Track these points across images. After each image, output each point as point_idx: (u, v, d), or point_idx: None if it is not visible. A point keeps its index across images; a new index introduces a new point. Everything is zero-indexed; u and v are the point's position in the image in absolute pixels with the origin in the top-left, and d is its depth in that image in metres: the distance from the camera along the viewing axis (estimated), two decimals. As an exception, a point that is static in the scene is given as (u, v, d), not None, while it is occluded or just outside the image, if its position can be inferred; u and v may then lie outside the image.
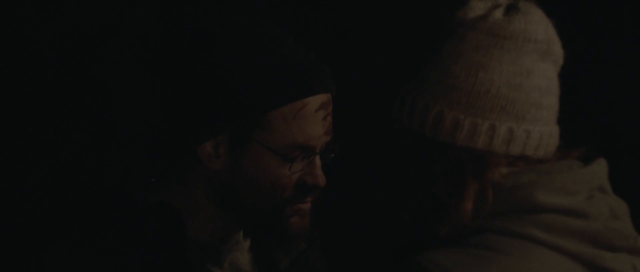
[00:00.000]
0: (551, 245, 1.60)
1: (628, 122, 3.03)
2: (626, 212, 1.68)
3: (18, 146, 2.75)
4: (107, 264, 1.78)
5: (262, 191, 1.81)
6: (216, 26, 1.81)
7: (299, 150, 1.80)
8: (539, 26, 1.64)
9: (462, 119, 1.60)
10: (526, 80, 1.62)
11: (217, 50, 1.79)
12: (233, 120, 1.78)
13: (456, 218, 1.61)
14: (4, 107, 2.75)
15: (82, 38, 2.79)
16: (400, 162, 1.67)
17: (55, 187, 2.69)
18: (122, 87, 2.79)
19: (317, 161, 1.83)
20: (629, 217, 1.69)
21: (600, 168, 1.68)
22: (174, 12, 2.68)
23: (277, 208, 1.82)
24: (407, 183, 1.67)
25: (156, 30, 2.74)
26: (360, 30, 3.01)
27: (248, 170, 1.80)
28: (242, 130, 1.78)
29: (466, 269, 1.56)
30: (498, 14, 1.62)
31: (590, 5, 3.01)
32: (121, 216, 1.83)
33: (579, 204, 1.62)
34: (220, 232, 1.87)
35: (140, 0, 2.78)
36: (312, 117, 1.80)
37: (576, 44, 3.01)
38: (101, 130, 2.78)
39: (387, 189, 1.71)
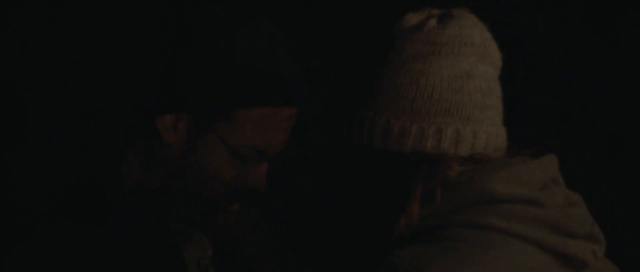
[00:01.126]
0: (513, 233, 1.64)
1: (629, 122, 3.03)
2: (581, 201, 1.74)
3: None
4: (90, 254, 1.78)
5: (205, 179, 1.82)
6: (214, 15, 1.83)
7: (254, 153, 1.81)
8: (474, 30, 1.69)
9: (409, 126, 1.65)
10: (467, 83, 1.67)
11: (209, 36, 1.80)
12: (201, 103, 1.79)
13: (407, 220, 1.66)
14: None
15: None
16: (356, 176, 1.73)
17: (33, 180, 2.69)
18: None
19: (265, 166, 1.84)
20: (584, 205, 1.75)
21: (551, 160, 1.73)
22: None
23: (216, 201, 1.84)
24: (362, 193, 1.72)
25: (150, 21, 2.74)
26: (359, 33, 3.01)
27: (199, 155, 1.81)
28: (206, 116, 1.79)
29: (433, 262, 1.61)
30: (432, 22, 1.67)
31: (592, 5, 3.01)
32: (99, 204, 1.84)
33: (535, 194, 1.67)
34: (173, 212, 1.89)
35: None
36: (277, 127, 1.82)
37: (577, 44, 3.01)
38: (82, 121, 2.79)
39: (348, 199, 1.75)
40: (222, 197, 1.84)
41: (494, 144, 1.69)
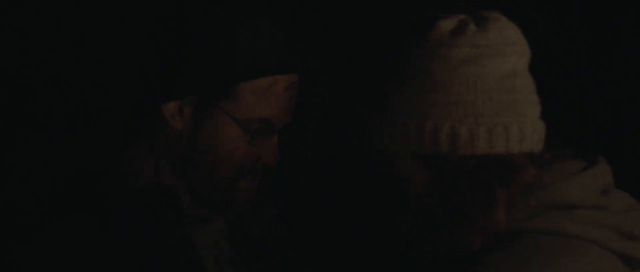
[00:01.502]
0: (589, 238, 1.67)
1: (629, 122, 3.03)
2: (638, 203, 1.78)
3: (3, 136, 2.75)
4: (103, 248, 1.79)
5: (219, 160, 1.83)
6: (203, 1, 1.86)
7: (262, 125, 1.83)
8: (511, 30, 1.73)
9: (476, 128, 1.67)
10: (516, 81, 1.70)
11: (202, 16, 1.83)
12: (203, 84, 1.81)
13: (489, 227, 1.68)
14: None
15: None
16: (413, 187, 1.72)
17: (33, 180, 2.69)
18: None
19: (276, 139, 1.86)
20: None
21: (607, 167, 1.77)
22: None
23: (229, 180, 1.84)
24: (427, 203, 1.72)
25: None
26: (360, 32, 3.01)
27: (208, 136, 1.83)
28: (210, 96, 1.81)
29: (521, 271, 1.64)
30: (472, 27, 1.70)
31: (592, 5, 3.01)
32: (115, 198, 1.84)
33: (602, 199, 1.71)
34: (188, 206, 1.89)
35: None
36: (280, 96, 1.84)
37: (577, 44, 3.01)
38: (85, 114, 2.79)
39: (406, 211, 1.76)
40: (236, 177, 1.85)
41: (540, 139, 1.73)
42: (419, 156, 1.69)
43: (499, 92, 1.68)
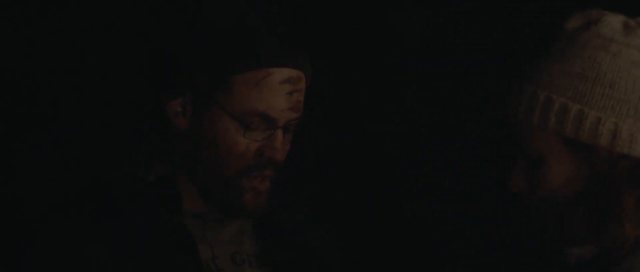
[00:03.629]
0: None
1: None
2: None
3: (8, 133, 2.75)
4: (105, 241, 1.79)
5: (220, 155, 1.84)
6: None
7: (258, 118, 1.83)
8: None
9: (636, 130, 1.70)
10: None
11: (198, 12, 1.84)
12: (197, 79, 1.82)
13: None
14: None
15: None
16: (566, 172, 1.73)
17: (38, 180, 2.69)
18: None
19: (279, 134, 1.86)
20: None
21: None
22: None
23: (235, 177, 1.84)
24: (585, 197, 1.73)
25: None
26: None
27: (208, 132, 1.84)
28: (206, 91, 1.83)
29: None
30: (638, 30, 1.74)
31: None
32: (121, 193, 1.85)
33: None
34: (204, 205, 1.89)
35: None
36: (275, 89, 1.84)
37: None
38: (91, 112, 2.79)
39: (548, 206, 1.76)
40: (239, 174, 1.85)
41: None
42: (562, 137, 1.71)
43: None
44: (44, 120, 2.77)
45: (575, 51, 1.73)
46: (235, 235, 1.92)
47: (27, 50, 2.77)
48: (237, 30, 1.84)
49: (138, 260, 1.79)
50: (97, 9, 2.77)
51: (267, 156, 1.85)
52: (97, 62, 2.78)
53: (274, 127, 1.85)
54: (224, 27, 1.83)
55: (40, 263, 1.77)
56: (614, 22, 1.74)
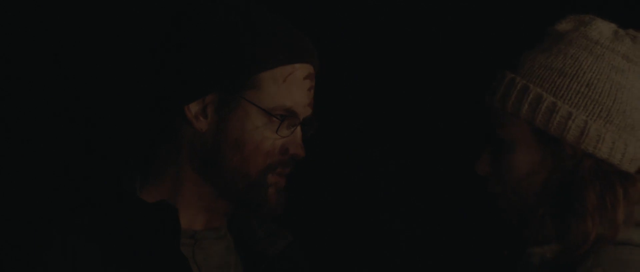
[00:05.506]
0: None
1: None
2: None
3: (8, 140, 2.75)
4: (99, 256, 1.79)
5: (246, 153, 1.84)
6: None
7: (286, 113, 1.85)
8: None
9: (604, 132, 1.73)
10: None
11: (214, 12, 1.84)
12: (225, 79, 1.82)
13: (608, 228, 1.72)
14: None
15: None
16: (536, 170, 1.76)
17: (40, 183, 2.69)
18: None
19: (299, 131, 1.88)
20: None
21: None
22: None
23: (260, 173, 1.85)
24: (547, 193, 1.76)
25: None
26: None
27: (234, 130, 1.84)
28: (233, 90, 1.83)
29: None
30: (627, 40, 1.78)
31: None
32: (118, 209, 1.84)
33: None
34: (206, 217, 1.89)
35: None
36: (300, 84, 1.86)
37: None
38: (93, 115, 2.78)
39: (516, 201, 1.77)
40: (266, 170, 1.85)
41: None
42: (532, 127, 1.74)
43: (632, 110, 1.74)
44: (57, 123, 2.77)
45: (561, 47, 1.77)
46: (222, 256, 1.92)
47: (31, 51, 2.77)
48: (260, 29, 1.84)
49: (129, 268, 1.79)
50: (113, 11, 2.77)
51: (291, 153, 1.86)
52: (109, 66, 2.78)
53: (296, 123, 1.87)
54: (247, 27, 1.84)
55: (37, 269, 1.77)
56: (603, 27, 1.78)
